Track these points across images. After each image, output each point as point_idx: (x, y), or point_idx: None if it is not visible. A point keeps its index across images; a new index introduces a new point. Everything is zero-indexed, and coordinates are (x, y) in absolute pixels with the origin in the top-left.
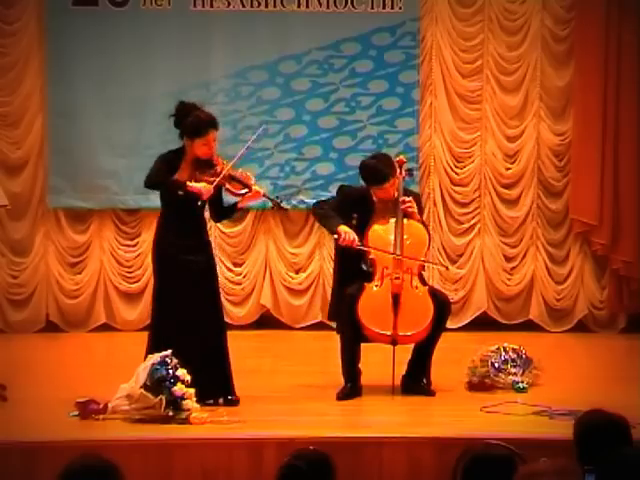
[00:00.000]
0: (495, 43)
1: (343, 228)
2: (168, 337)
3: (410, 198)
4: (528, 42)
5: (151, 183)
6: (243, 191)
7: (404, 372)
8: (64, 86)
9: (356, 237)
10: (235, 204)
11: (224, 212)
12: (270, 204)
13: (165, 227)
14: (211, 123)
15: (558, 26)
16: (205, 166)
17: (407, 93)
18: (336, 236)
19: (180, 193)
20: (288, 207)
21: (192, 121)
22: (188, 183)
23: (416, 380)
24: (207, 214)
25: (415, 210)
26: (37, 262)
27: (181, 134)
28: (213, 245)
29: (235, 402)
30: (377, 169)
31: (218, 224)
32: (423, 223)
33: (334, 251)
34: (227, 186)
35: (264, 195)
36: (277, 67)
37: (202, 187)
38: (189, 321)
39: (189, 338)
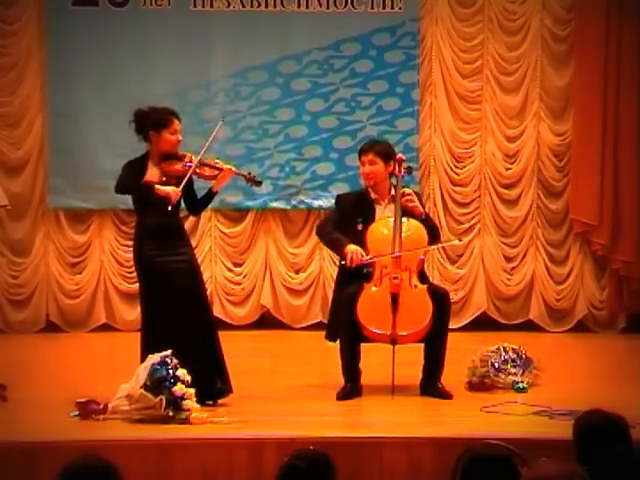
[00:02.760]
0: (495, 43)
1: (349, 248)
2: (159, 339)
3: (410, 191)
4: (528, 42)
5: (121, 188)
6: (216, 174)
7: (421, 375)
8: (64, 86)
9: (362, 252)
10: (209, 190)
11: (200, 203)
12: (243, 181)
13: (142, 231)
14: (172, 112)
15: (558, 26)
16: (173, 160)
17: (407, 93)
18: (343, 262)
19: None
20: (261, 180)
21: (155, 115)
22: (157, 187)
23: (433, 381)
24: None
25: (417, 204)
26: (37, 262)
27: (145, 136)
28: (212, 245)
29: (226, 391)
30: (369, 142)
31: (218, 224)
32: (427, 216)
33: (337, 271)
34: (198, 171)
35: (236, 172)
36: (277, 67)
37: (170, 190)
38: (177, 321)
39: (179, 338)
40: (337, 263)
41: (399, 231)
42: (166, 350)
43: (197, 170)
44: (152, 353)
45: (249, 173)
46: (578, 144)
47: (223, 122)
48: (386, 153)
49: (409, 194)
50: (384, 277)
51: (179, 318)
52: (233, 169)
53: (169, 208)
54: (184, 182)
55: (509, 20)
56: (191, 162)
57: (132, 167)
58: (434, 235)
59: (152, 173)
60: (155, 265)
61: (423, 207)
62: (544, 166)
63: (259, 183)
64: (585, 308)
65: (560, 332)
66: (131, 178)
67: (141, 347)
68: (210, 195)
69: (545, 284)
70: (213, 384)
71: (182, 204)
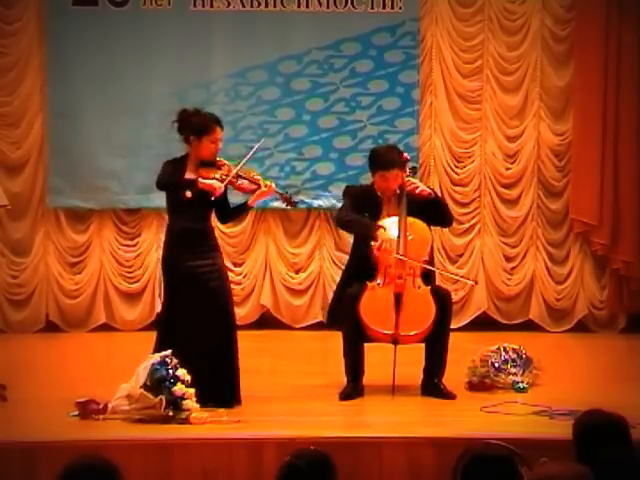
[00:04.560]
0: (495, 43)
1: (383, 234)
2: (174, 340)
3: (408, 179)
4: (528, 42)
5: (163, 183)
6: (253, 188)
7: (422, 376)
8: (64, 86)
9: (394, 245)
10: (245, 203)
11: (232, 213)
12: (279, 200)
13: (172, 234)
14: (216, 120)
15: (558, 26)
16: (211, 167)
17: (407, 93)
18: (375, 243)
19: (188, 195)
20: (297, 201)
21: (198, 120)
22: (200, 179)
23: (435, 382)
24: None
25: (420, 186)
26: (37, 262)
27: (186, 138)
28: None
29: (231, 403)
30: (387, 154)
31: (218, 224)
32: (436, 194)
33: (350, 256)
34: (237, 184)
35: (276, 191)
36: (277, 67)
37: (214, 183)
38: (195, 325)
39: (197, 343)
40: (342, 260)
41: (404, 231)
42: (180, 349)
43: (233, 181)
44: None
45: (286, 193)
46: (578, 144)
47: (264, 141)
48: (404, 161)
49: (409, 182)
50: (388, 277)
51: (198, 322)
52: (273, 187)
53: (212, 198)
54: (226, 180)
55: (509, 20)
56: (229, 172)
57: (173, 165)
58: (444, 218)
59: (189, 176)
60: (181, 268)
61: (430, 187)
62: (544, 166)
63: (295, 204)
64: (585, 308)
65: (560, 332)
66: (172, 174)
67: (155, 344)
68: (244, 208)
69: (545, 284)
70: (221, 391)
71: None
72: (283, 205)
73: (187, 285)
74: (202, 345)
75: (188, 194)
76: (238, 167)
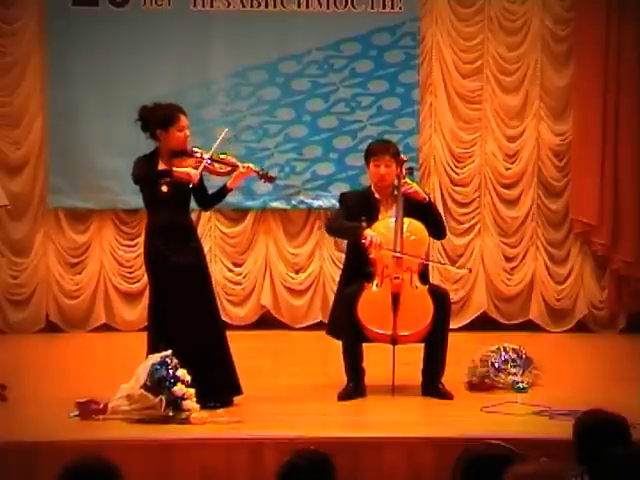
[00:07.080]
0: (495, 43)
1: (369, 232)
2: (165, 337)
3: (406, 180)
4: (528, 42)
5: (139, 176)
6: (230, 170)
7: (421, 376)
8: (64, 86)
9: (382, 240)
10: (224, 187)
11: (212, 198)
12: (258, 178)
13: (152, 228)
14: (178, 108)
15: (558, 26)
16: (184, 156)
17: (407, 93)
18: (364, 241)
19: (164, 189)
20: (274, 175)
21: (160, 113)
22: (174, 169)
23: (433, 382)
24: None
25: (416, 188)
26: (37, 262)
27: (152, 133)
28: (212, 245)
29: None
30: (380, 143)
31: (218, 224)
32: (430, 200)
33: (344, 262)
34: (213, 169)
35: (254, 170)
36: (277, 67)
37: (189, 170)
38: (184, 323)
39: (186, 339)
40: (342, 260)
41: (400, 231)
42: (172, 348)
43: (209, 166)
44: (158, 351)
45: (262, 169)
46: (578, 144)
47: (227, 131)
48: (398, 155)
49: (405, 183)
50: (385, 277)
51: (187, 316)
52: (252, 167)
53: (190, 186)
54: (201, 167)
55: (509, 20)
56: (202, 158)
57: (144, 160)
58: (437, 229)
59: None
60: (164, 262)
61: (426, 193)
62: (544, 166)
63: (273, 179)
64: (585, 308)
65: (560, 332)
66: (147, 167)
67: (148, 345)
68: (224, 192)
69: (545, 284)
70: (219, 385)
71: (192, 202)
72: (262, 182)
73: (173, 282)
74: (196, 342)
75: (164, 188)
76: (212, 151)
